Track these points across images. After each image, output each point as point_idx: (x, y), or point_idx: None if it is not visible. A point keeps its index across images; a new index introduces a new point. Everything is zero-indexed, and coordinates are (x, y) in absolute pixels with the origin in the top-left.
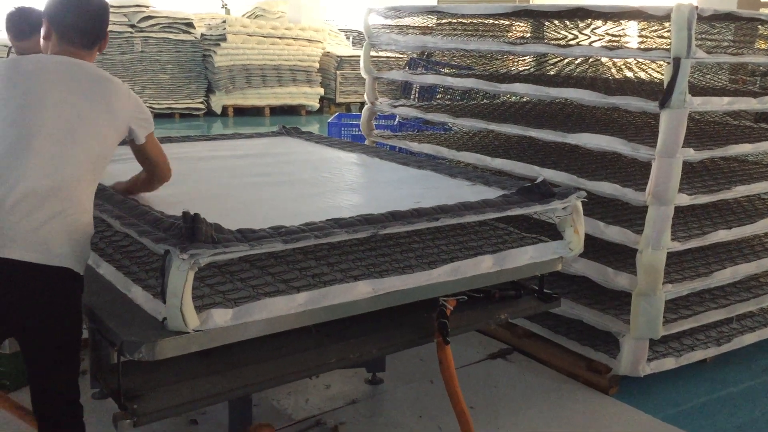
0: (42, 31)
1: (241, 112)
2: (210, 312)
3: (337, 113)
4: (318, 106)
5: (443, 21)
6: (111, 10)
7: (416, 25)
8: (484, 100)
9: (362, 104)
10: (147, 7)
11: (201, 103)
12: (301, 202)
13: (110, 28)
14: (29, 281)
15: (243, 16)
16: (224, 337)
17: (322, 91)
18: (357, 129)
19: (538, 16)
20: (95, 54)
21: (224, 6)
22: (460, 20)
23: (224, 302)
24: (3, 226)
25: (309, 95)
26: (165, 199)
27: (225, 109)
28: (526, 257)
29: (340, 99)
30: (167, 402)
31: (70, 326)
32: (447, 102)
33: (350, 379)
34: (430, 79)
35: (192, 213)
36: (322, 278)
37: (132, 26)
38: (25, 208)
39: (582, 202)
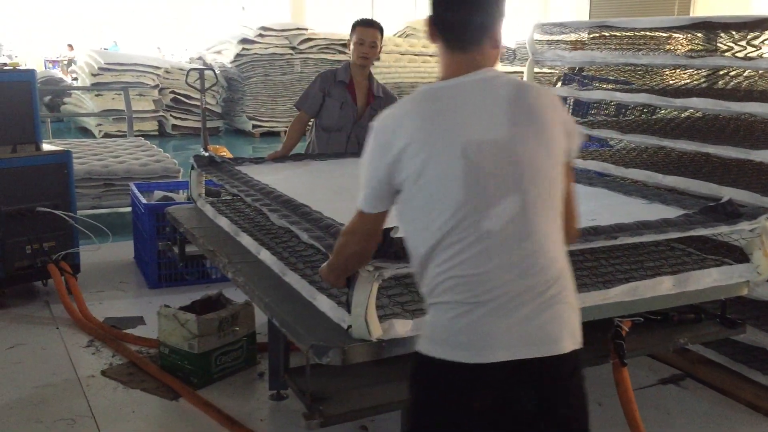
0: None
1: None
2: (392, 322)
3: None
4: None
5: (596, 35)
6: (273, 34)
7: (567, 39)
8: (643, 115)
9: None
10: (306, 29)
11: None
12: None
13: (273, 50)
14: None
15: (394, 35)
16: (404, 347)
17: None
18: None
19: (717, 29)
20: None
21: None
22: (613, 33)
23: (403, 313)
24: None
25: None
26: (344, 212)
27: None
28: (709, 280)
29: None
30: (350, 406)
31: None
32: (603, 118)
33: None
34: (598, 94)
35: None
36: None
37: (292, 48)
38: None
39: None
